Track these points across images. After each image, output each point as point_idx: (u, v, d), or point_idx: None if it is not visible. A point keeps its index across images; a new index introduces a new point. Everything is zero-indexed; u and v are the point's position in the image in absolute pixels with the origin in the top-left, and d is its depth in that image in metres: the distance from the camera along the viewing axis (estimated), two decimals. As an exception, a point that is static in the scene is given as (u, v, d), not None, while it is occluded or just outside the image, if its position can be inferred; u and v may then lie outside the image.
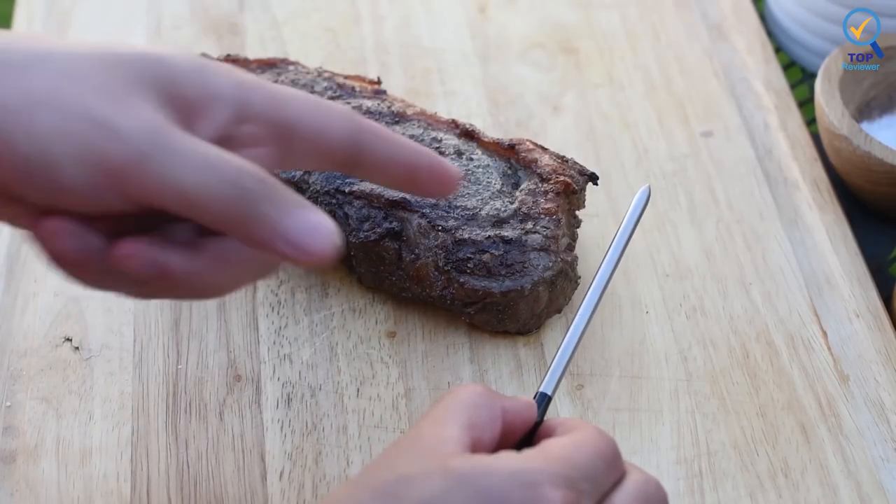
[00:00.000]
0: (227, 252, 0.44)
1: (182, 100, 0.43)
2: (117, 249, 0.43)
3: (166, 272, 0.43)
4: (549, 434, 0.46)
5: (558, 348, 0.49)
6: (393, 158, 0.48)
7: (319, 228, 0.43)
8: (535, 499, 0.41)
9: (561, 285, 0.61)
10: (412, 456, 0.42)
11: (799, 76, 0.82)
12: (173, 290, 0.45)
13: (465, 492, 0.41)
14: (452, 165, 0.49)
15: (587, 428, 0.45)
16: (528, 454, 0.43)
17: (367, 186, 0.61)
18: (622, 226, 0.52)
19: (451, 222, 0.60)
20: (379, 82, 0.68)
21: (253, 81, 0.45)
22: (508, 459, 0.42)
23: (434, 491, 0.41)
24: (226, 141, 0.45)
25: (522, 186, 0.62)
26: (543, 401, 0.48)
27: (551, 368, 0.49)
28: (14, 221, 0.45)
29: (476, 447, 0.43)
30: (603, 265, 0.51)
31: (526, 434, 0.46)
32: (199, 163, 0.42)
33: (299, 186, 0.62)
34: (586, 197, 0.64)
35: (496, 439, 0.44)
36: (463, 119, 0.69)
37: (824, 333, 0.63)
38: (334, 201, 0.61)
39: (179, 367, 0.61)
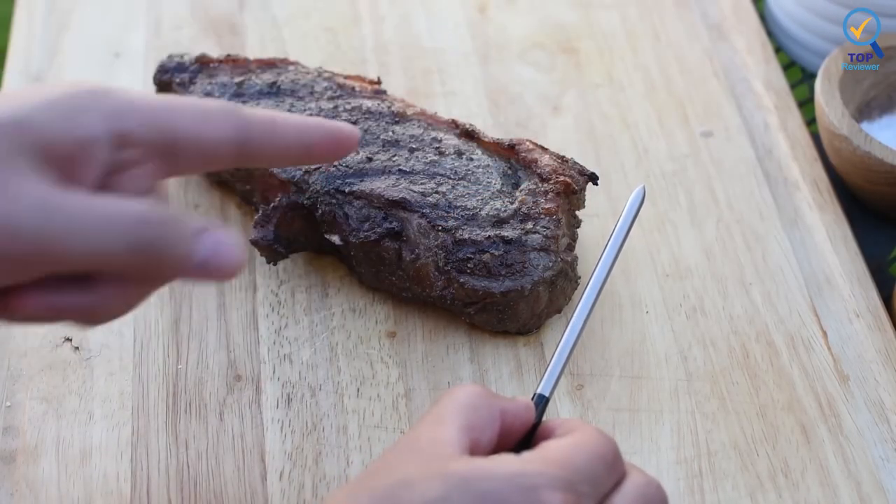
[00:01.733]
0: (118, 284, 0.45)
1: (57, 155, 0.43)
2: (14, 300, 0.43)
3: (62, 312, 0.44)
4: (548, 435, 0.45)
5: (555, 349, 0.49)
6: (284, 144, 0.48)
7: (224, 246, 0.44)
8: (534, 502, 0.41)
9: (561, 285, 0.61)
10: (410, 459, 0.42)
11: (799, 76, 0.82)
12: (70, 321, 0.46)
13: (464, 495, 0.41)
14: (346, 125, 0.50)
15: (587, 429, 0.44)
16: (527, 457, 0.43)
17: (366, 187, 0.61)
18: (618, 226, 0.52)
19: (451, 222, 0.60)
20: (379, 82, 0.68)
21: (125, 104, 0.44)
22: (507, 462, 0.42)
23: (433, 494, 0.41)
24: (112, 172, 0.44)
25: (522, 186, 0.62)
26: (541, 402, 0.48)
27: (549, 370, 0.48)
28: None
29: (474, 449, 0.43)
30: (599, 266, 0.51)
31: (524, 436, 0.46)
32: (97, 224, 0.42)
33: (299, 187, 0.62)
34: (586, 197, 0.64)
35: (494, 441, 0.44)
36: (463, 119, 0.69)
37: (824, 333, 0.63)
38: (334, 201, 0.61)
39: (179, 367, 0.61)
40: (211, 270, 0.44)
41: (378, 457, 0.44)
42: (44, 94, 0.43)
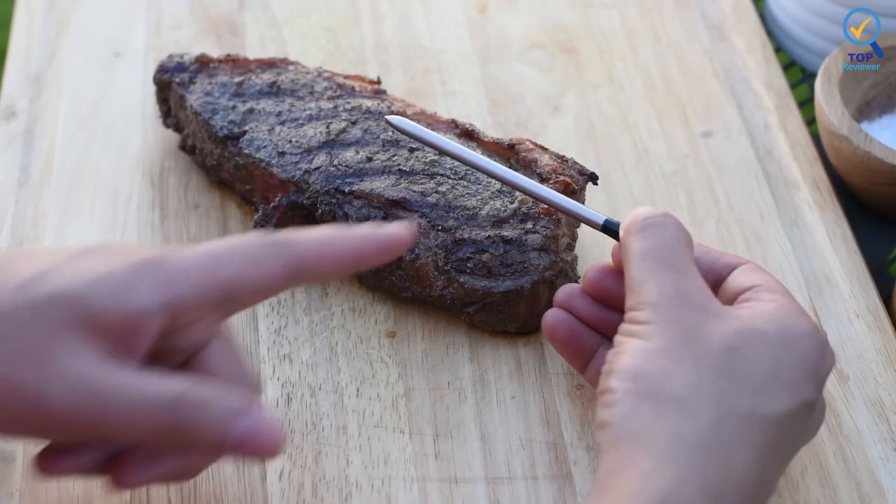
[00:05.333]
0: None
1: (110, 329, 0.44)
2: (114, 482, 0.47)
3: (162, 478, 0.48)
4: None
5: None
6: (335, 265, 0.48)
7: (263, 427, 0.45)
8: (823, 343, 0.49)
9: (561, 285, 0.61)
10: (705, 315, 0.47)
11: (799, 76, 0.82)
12: (171, 482, 0.50)
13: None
14: (398, 227, 0.49)
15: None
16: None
17: (366, 186, 0.61)
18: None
19: (451, 222, 0.60)
20: (379, 82, 0.68)
21: (177, 272, 0.45)
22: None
23: (769, 359, 0.47)
24: (169, 333, 0.46)
25: (522, 186, 0.62)
26: (613, 225, 0.55)
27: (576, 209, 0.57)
28: None
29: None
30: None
31: None
32: (129, 405, 0.43)
33: (299, 186, 0.62)
34: (586, 197, 0.64)
35: None
36: (463, 119, 0.69)
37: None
38: (334, 201, 0.61)
39: (179, 366, 0.61)
40: (247, 450, 0.44)
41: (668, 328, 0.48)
42: (96, 266, 0.45)
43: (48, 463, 0.47)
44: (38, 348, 0.43)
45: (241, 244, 0.46)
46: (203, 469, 0.50)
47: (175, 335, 0.46)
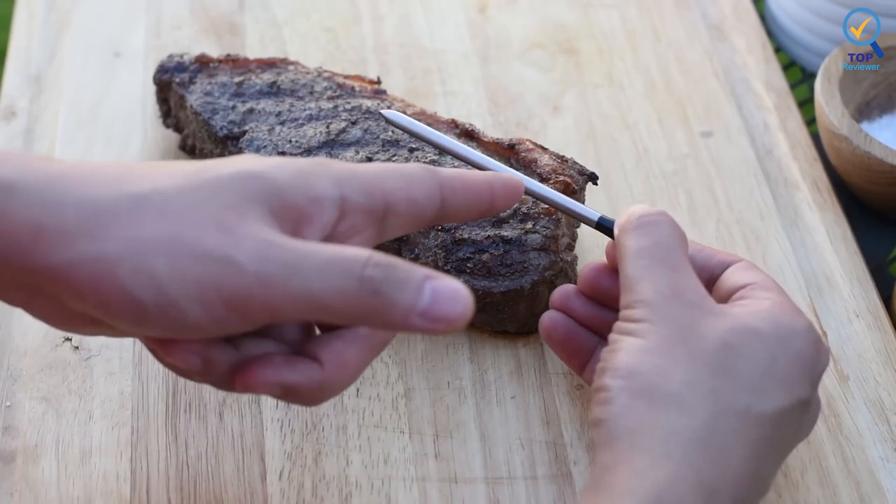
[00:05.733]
0: (346, 353, 0.46)
1: (288, 210, 0.44)
2: (241, 377, 0.44)
3: (291, 390, 0.45)
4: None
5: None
6: (475, 198, 0.49)
7: (450, 294, 0.43)
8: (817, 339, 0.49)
9: (561, 285, 0.61)
10: (700, 313, 0.48)
11: (799, 76, 0.82)
12: (293, 399, 0.46)
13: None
14: (510, 174, 0.52)
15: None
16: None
17: (366, 186, 0.61)
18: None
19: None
20: (379, 82, 0.68)
21: (347, 173, 0.46)
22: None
23: (764, 357, 0.47)
24: (329, 239, 0.45)
25: (522, 186, 0.62)
26: (607, 222, 0.55)
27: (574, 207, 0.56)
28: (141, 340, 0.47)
29: None
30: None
31: None
32: (321, 266, 0.42)
33: (299, 186, 0.62)
34: (586, 197, 0.64)
35: None
36: (463, 119, 0.69)
37: (824, 333, 0.63)
38: (334, 201, 0.61)
39: (179, 366, 0.61)
40: (435, 317, 0.43)
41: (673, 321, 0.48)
42: (275, 159, 0.45)
43: (171, 345, 0.45)
44: (222, 218, 0.42)
45: (402, 166, 0.48)
46: (334, 395, 0.47)
47: (332, 242, 0.45)
